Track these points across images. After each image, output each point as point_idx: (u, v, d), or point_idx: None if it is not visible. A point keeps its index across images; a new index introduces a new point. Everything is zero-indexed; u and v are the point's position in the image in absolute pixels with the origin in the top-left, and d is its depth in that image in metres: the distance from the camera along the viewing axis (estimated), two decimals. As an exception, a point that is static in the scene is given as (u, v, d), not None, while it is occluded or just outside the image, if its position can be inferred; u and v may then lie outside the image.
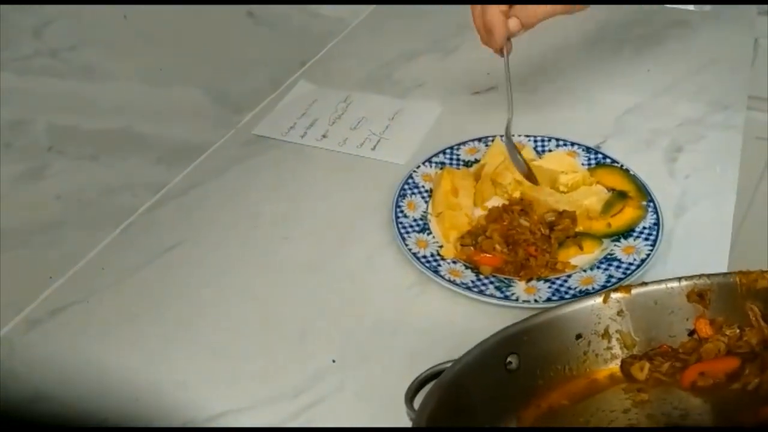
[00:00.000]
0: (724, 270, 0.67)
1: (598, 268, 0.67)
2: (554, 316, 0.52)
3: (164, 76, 0.82)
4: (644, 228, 0.70)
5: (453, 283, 0.65)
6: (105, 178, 0.78)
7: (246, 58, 0.97)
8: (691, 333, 0.52)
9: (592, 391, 0.51)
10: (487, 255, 0.67)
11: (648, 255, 0.66)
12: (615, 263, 0.67)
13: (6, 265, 0.67)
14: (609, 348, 0.52)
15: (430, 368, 0.50)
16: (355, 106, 0.99)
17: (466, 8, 1.22)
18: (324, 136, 0.93)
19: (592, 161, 0.80)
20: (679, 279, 0.52)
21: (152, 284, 0.72)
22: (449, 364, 0.48)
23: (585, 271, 0.67)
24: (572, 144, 0.82)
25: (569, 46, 1.09)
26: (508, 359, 0.50)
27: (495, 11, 0.72)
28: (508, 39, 0.76)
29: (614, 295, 0.52)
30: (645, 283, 0.53)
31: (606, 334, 0.52)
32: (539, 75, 1.02)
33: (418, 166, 0.81)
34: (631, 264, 0.66)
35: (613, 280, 0.64)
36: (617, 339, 0.52)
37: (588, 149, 0.81)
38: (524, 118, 0.92)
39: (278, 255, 0.75)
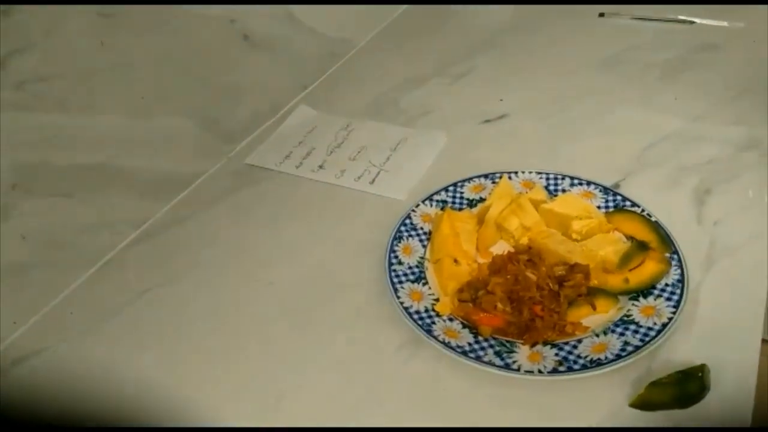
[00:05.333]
0: (759, 337, 0.60)
1: (613, 332, 0.59)
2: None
3: (146, 106, 0.77)
4: (667, 285, 0.62)
5: (447, 345, 0.58)
6: (80, 216, 0.72)
7: (241, 84, 0.91)
8: None
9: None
10: (488, 314, 0.60)
11: (670, 319, 0.58)
12: (632, 327, 0.59)
13: (-36, 312, 0.62)
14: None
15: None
16: (356, 134, 0.92)
17: (478, 31, 1.17)
18: (321, 167, 0.86)
19: (610, 204, 0.72)
20: None
21: (124, 332, 0.67)
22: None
23: (597, 335, 0.59)
24: (588, 183, 0.75)
25: (588, 69, 1.01)
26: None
27: None
28: None
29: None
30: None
31: None
32: (553, 102, 0.95)
33: (418, 205, 0.75)
34: (650, 329, 0.58)
35: (629, 348, 0.57)
36: None
37: (606, 190, 0.74)
38: (536, 152, 0.85)
39: (262, 303, 0.68)
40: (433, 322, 0.61)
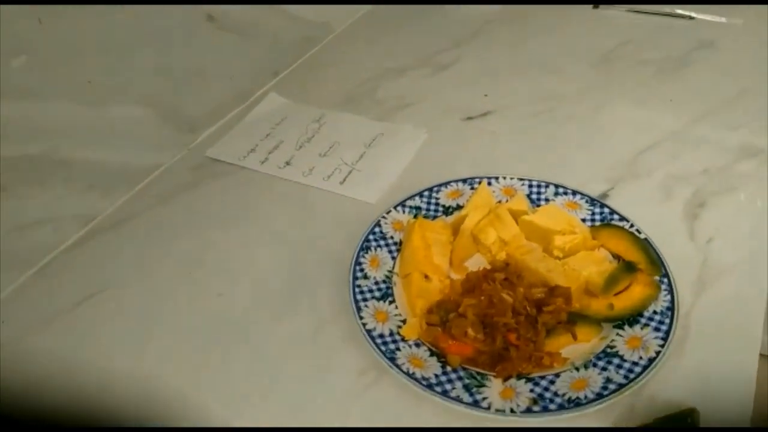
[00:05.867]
0: (754, 370, 0.55)
1: (595, 366, 0.53)
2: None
3: (96, 91, 0.70)
4: (655, 313, 0.57)
5: (411, 377, 0.53)
6: (16, 213, 0.65)
7: (204, 69, 0.84)
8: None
9: None
10: (457, 342, 0.54)
11: (658, 353, 0.53)
12: (616, 361, 0.53)
13: None
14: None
15: None
16: (329, 127, 0.86)
17: (464, 21, 1.09)
18: (288, 164, 0.80)
19: (597, 217, 0.66)
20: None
21: (60, 343, 0.60)
22: None
23: (578, 369, 0.53)
24: (574, 193, 0.69)
25: (579, 65, 0.95)
26: None
27: None
28: None
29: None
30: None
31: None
32: (541, 99, 0.88)
33: (389, 211, 0.68)
34: (635, 364, 0.53)
35: (612, 386, 0.51)
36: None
37: (592, 201, 0.68)
38: (519, 154, 0.79)
39: (208, 316, 0.62)
40: (398, 348, 0.55)
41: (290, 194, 0.76)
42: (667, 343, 0.54)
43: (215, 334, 0.60)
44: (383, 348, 0.55)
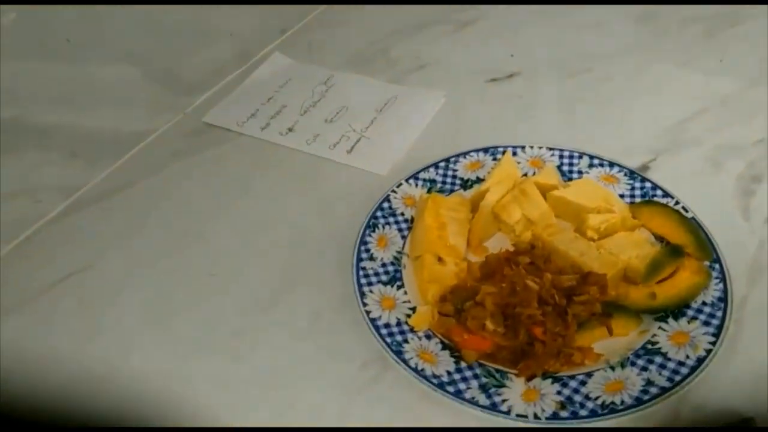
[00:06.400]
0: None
1: (633, 364, 0.46)
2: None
3: (75, 49, 0.63)
4: (704, 305, 0.49)
5: (420, 373, 0.46)
6: (-12, 182, 0.60)
7: (203, 26, 0.76)
8: None
9: None
10: (474, 335, 0.47)
11: (708, 352, 0.45)
12: (658, 360, 0.46)
13: None
14: None
15: None
16: (337, 91, 0.78)
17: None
18: (290, 130, 0.73)
19: (637, 193, 0.58)
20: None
21: (38, 323, 0.55)
22: None
23: (613, 368, 0.46)
24: (611, 165, 0.61)
25: (618, 21, 0.85)
26: None
27: None
28: None
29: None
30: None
31: None
32: (574, 60, 0.79)
33: (400, 184, 0.61)
34: (681, 365, 0.45)
35: (653, 389, 0.44)
36: None
37: (632, 174, 0.60)
38: (549, 121, 0.71)
39: (198, 299, 0.56)
40: (406, 340, 0.49)
41: (292, 164, 0.69)
42: (718, 340, 0.46)
43: (206, 316, 0.54)
44: (389, 339, 0.48)
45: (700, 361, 0.45)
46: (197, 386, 0.49)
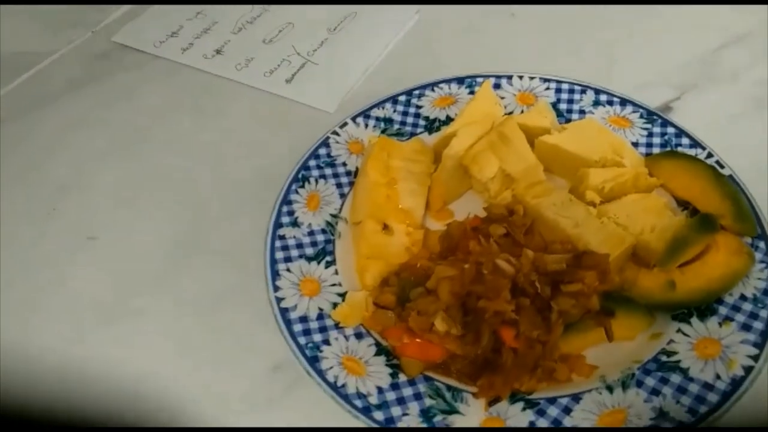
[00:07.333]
0: None
1: (640, 384, 0.33)
2: None
3: None
4: (743, 300, 0.36)
5: (338, 390, 0.33)
6: None
7: None
8: None
9: None
10: (419, 339, 0.34)
11: (748, 371, 0.32)
12: (676, 378, 0.33)
13: None
14: None
15: None
16: (283, 4, 0.62)
17: None
18: (218, 52, 0.58)
19: (655, 141, 0.45)
20: None
21: None
22: None
23: (611, 389, 0.33)
24: (623, 103, 0.46)
25: None
26: None
27: None
28: None
29: None
30: None
31: None
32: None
33: (344, 124, 0.47)
34: (708, 388, 0.32)
35: (667, 423, 0.31)
36: None
37: (650, 116, 0.46)
38: (544, 47, 0.57)
39: (68, 272, 0.43)
40: (327, 340, 0.35)
41: (216, 95, 0.56)
42: (763, 353, 0.33)
43: (76, 294, 0.41)
44: (302, 339, 0.35)
45: (736, 383, 0.32)
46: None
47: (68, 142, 0.52)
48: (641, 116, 0.47)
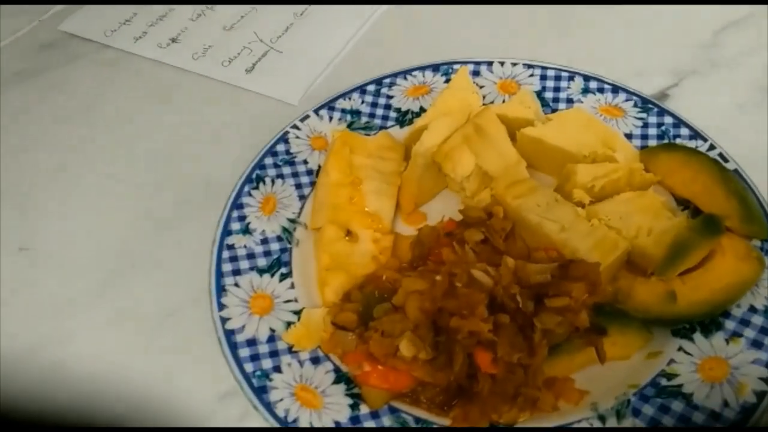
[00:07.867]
0: None
1: (637, 413, 0.29)
2: None
3: None
4: (753, 312, 0.32)
5: (290, 426, 0.28)
6: None
7: None
8: None
9: None
10: (383, 365, 0.29)
11: (761, 397, 0.28)
12: (677, 406, 0.29)
13: None
14: None
15: None
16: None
17: None
18: (174, 41, 0.54)
19: (651, 133, 0.41)
20: None
21: None
22: None
23: (604, 418, 0.29)
24: (615, 90, 0.42)
25: None
26: None
27: None
28: None
29: None
30: None
31: None
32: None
33: (306, 117, 0.42)
34: (715, 417, 0.28)
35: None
36: None
37: (645, 104, 0.41)
38: (529, 31, 0.53)
39: (16, 272, 0.39)
40: (278, 368, 0.31)
41: (170, 87, 0.52)
42: (778, 377, 0.29)
43: (21, 307, 0.37)
44: (250, 366, 0.31)
45: (748, 411, 0.28)
46: None
47: (24, 132, 0.48)
48: (635, 105, 0.43)
